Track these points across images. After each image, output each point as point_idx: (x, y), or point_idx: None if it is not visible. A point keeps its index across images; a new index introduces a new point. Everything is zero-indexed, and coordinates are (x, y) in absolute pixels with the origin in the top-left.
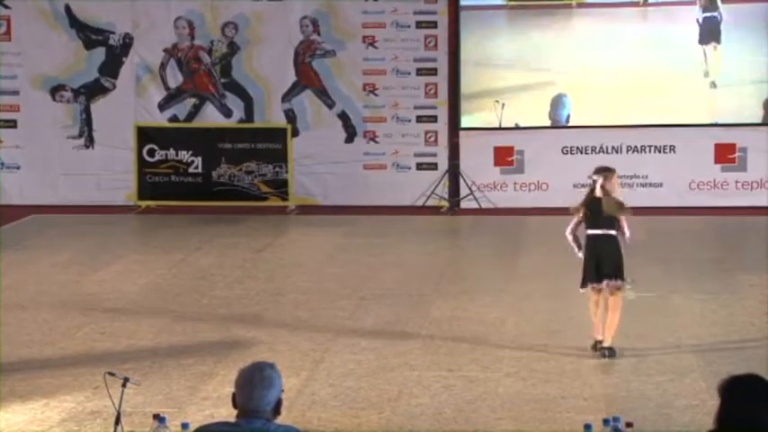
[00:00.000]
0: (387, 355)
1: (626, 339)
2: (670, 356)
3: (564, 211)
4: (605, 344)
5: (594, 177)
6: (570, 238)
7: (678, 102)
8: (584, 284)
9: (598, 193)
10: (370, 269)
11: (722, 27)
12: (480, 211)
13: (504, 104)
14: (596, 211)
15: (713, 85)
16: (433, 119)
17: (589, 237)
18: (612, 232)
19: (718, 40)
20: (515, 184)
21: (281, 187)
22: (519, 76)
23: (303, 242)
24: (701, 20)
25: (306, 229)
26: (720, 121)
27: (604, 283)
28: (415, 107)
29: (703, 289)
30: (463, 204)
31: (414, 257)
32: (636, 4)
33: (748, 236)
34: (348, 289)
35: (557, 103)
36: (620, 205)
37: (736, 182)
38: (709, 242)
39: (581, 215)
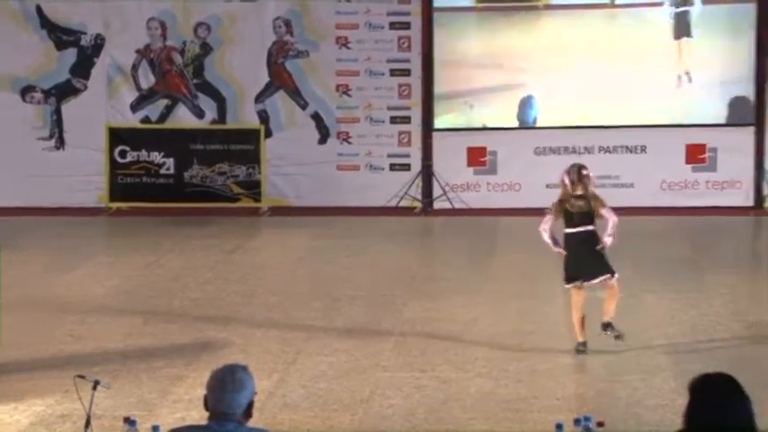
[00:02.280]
0: (359, 357)
1: (597, 339)
2: (641, 356)
3: (537, 212)
4: (606, 319)
5: (572, 173)
6: (546, 235)
7: (649, 102)
8: (568, 281)
9: (577, 190)
10: (342, 270)
11: (693, 22)
12: (453, 212)
13: (472, 106)
14: (574, 208)
15: (689, 79)
16: (407, 120)
17: (568, 235)
18: (591, 228)
19: (689, 34)
20: (488, 184)
21: (253, 188)
22: (490, 77)
23: (276, 243)
24: (673, 15)
25: (279, 230)
26: (691, 122)
27: (598, 280)
28: (389, 108)
29: (674, 289)
30: (436, 205)
31: (387, 258)
32: (605, 6)
33: (718, 236)
34: (320, 290)
35: (524, 104)
36: (600, 199)
37: (707, 182)
38: (680, 242)
39: (556, 213)
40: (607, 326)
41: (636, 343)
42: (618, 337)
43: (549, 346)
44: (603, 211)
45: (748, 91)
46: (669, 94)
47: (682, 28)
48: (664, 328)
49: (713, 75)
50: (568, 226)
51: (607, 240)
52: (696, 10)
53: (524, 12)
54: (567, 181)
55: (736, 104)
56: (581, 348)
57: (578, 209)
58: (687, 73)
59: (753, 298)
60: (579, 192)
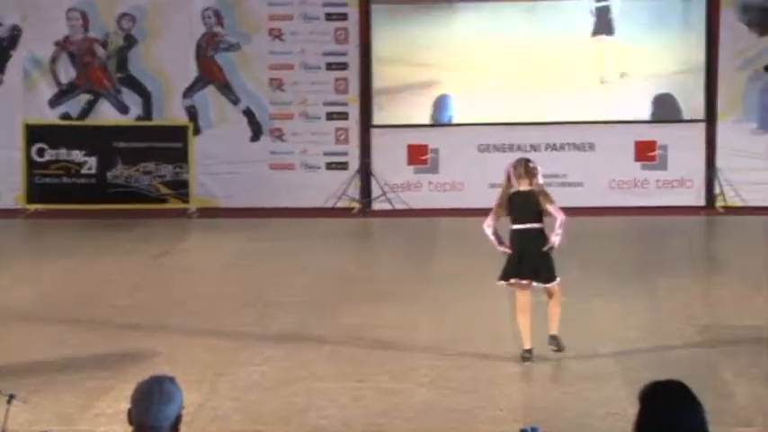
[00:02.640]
0: (293, 366)
1: (544, 346)
2: (590, 363)
3: (481, 212)
4: (552, 331)
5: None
6: (489, 231)
7: (570, 98)
8: (504, 277)
9: (524, 184)
10: (275, 275)
11: (615, 19)
12: (393, 213)
13: (381, 107)
14: (521, 204)
15: (620, 75)
16: (344, 116)
17: (514, 232)
18: (539, 226)
19: (611, 31)
20: (430, 183)
21: (181, 189)
22: (405, 75)
23: (205, 247)
24: (594, 10)
25: (208, 233)
26: (639, 118)
27: (530, 281)
28: (325, 103)
29: (624, 292)
30: (375, 206)
31: (323, 262)
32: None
33: (669, 236)
34: (252, 296)
35: (439, 104)
36: (547, 195)
37: (657, 180)
38: (629, 243)
39: (502, 209)
40: (554, 339)
41: (584, 350)
42: (559, 350)
43: (494, 353)
44: (551, 208)
45: (674, 88)
46: (592, 92)
47: (602, 24)
48: (613, 333)
49: (637, 72)
50: (514, 222)
51: (555, 239)
52: (617, 5)
53: (444, 5)
54: (512, 175)
55: (660, 102)
56: (526, 356)
57: (525, 205)
58: (615, 70)
59: (706, 301)
60: (526, 187)
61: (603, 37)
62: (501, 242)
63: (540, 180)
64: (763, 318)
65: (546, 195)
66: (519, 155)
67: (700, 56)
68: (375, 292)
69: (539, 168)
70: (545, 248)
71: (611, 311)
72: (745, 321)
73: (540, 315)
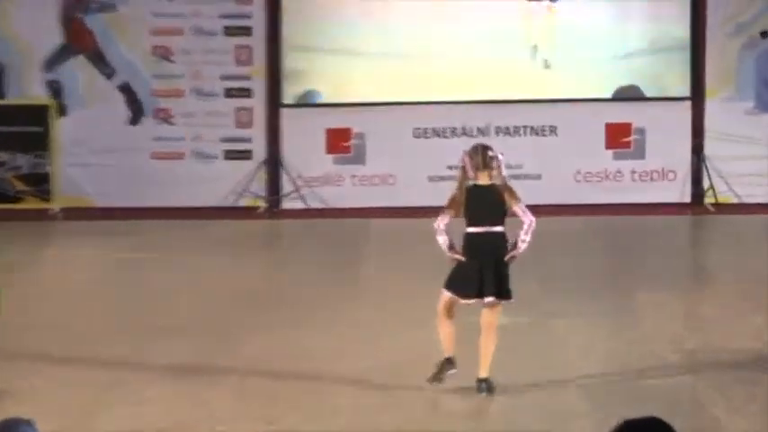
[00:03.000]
0: (184, 406)
1: (495, 377)
2: (552, 399)
3: (417, 212)
4: (482, 374)
5: (476, 156)
6: (439, 232)
7: (527, 72)
8: (449, 288)
9: (483, 177)
10: (160, 292)
11: None
12: (308, 213)
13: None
14: (480, 202)
15: (546, 62)
16: (247, 93)
17: (470, 236)
18: (500, 229)
19: None
20: (354, 177)
21: (41, 184)
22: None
23: (70, 257)
24: None
25: (75, 239)
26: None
27: (484, 300)
28: (223, 77)
29: (592, 310)
30: (286, 204)
31: (220, 275)
32: None
33: (648, 241)
34: (130, 319)
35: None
36: (513, 192)
37: (633, 172)
38: (599, 250)
39: (457, 205)
40: (482, 383)
41: (545, 382)
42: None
43: (432, 386)
44: (518, 209)
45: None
46: (553, 66)
47: None
48: (580, 361)
49: (583, 45)
50: (471, 224)
51: (521, 247)
52: None
53: None
54: (469, 166)
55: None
56: (449, 373)
57: (484, 203)
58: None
59: (693, 320)
60: (486, 180)
61: (544, 3)
62: (452, 247)
63: (503, 172)
64: (762, 340)
65: (511, 192)
66: (464, 141)
67: (683, 22)
68: (287, 312)
69: (500, 157)
70: (507, 257)
71: (577, 334)
72: (741, 344)
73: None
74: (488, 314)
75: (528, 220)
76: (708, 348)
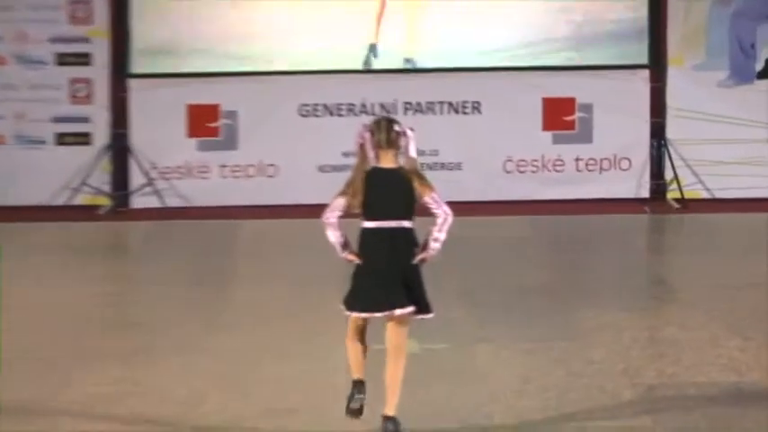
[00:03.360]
0: None
1: (407, 417)
2: None
3: (305, 211)
4: (388, 412)
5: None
6: (331, 230)
7: (446, 32)
8: (352, 308)
9: (387, 159)
10: None
11: None
12: (165, 213)
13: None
14: (382, 190)
15: None
16: (84, 59)
17: (367, 233)
18: (408, 224)
19: None
20: (223, 167)
21: None
22: None
23: None
24: None
25: None
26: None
27: (399, 312)
28: (53, 40)
29: (528, 335)
30: (136, 202)
31: (49, 294)
32: None
33: (597, 247)
34: None
35: None
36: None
37: (577, 159)
38: (536, 258)
39: (353, 195)
40: (387, 423)
41: (467, 423)
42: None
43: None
44: (429, 199)
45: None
46: (477, 23)
47: None
48: (512, 399)
49: None
50: (369, 218)
51: (434, 247)
52: None
53: None
54: (368, 144)
55: None
56: (357, 397)
57: (388, 191)
58: None
59: (653, 347)
60: (390, 163)
61: None
62: (346, 246)
63: (413, 153)
64: (738, 371)
65: (422, 178)
66: (363, 120)
67: None
68: (134, 341)
69: (410, 133)
70: (415, 260)
71: (509, 365)
72: (712, 377)
73: (405, 374)
74: (396, 332)
75: (442, 213)
76: (671, 382)
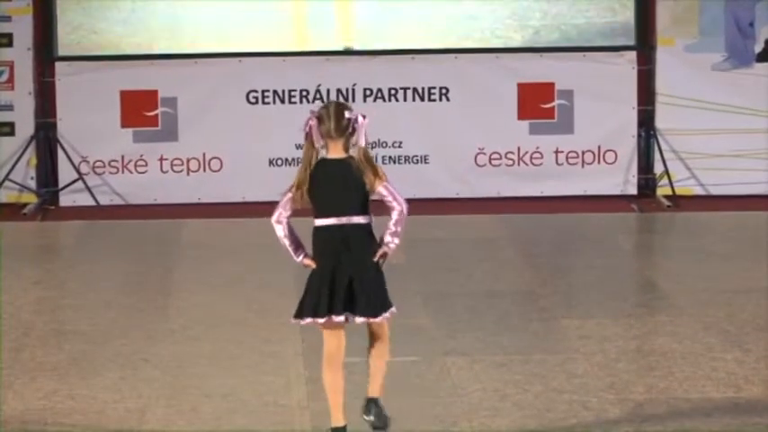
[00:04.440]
0: None
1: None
2: None
3: (255, 208)
4: (373, 394)
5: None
6: (281, 230)
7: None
8: (300, 314)
9: (337, 147)
10: None
11: None
12: (98, 212)
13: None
14: (331, 183)
15: None
16: (6, 40)
17: (319, 231)
18: (361, 221)
19: None
20: (162, 159)
21: None
22: None
23: None
24: None
25: None
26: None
27: (361, 319)
28: None
29: (503, 346)
30: (65, 200)
31: None
32: None
33: (580, 248)
34: None
35: None
36: (376, 168)
37: (557, 152)
38: (513, 261)
39: (300, 191)
40: (371, 404)
41: None
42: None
43: None
44: (383, 190)
45: None
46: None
47: None
48: (487, 415)
49: None
50: (321, 215)
51: (390, 244)
52: None
53: None
54: (315, 132)
55: None
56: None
57: (337, 184)
58: None
59: (642, 358)
60: (339, 153)
61: None
62: (299, 248)
63: (363, 141)
64: (736, 385)
65: (374, 168)
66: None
67: None
68: (70, 350)
69: (361, 119)
70: (375, 258)
71: (483, 379)
72: (706, 393)
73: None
74: (378, 328)
75: (397, 206)
76: (662, 398)
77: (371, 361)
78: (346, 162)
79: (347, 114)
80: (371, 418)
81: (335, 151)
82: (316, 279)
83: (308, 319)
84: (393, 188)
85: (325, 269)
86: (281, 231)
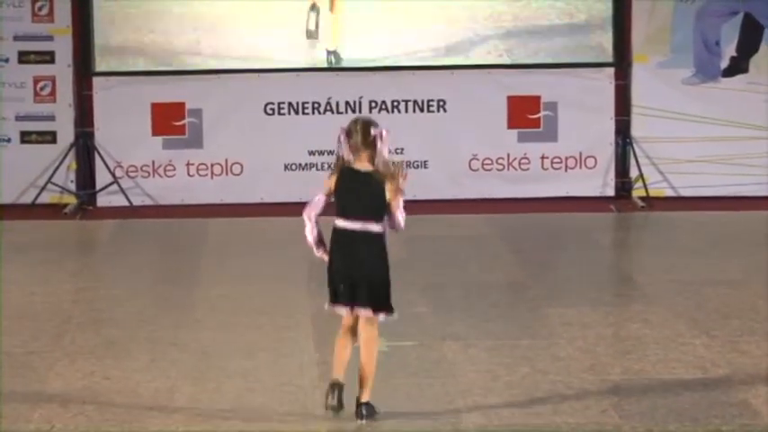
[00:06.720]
0: None
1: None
2: None
3: (271, 209)
4: (363, 398)
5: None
6: (310, 227)
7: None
8: (334, 300)
9: (362, 160)
10: None
11: None
12: (131, 212)
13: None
14: (353, 191)
15: None
16: (49, 57)
17: (338, 232)
18: (375, 228)
19: None
20: (189, 164)
21: None
22: None
23: None
24: None
25: None
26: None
27: (355, 309)
28: (18, 38)
29: (494, 332)
30: (102, 201)
31: (17, 292)
32: None
33: (563, 245)
34: None
35: None
36: (395, 185)
37: (542, 157)
38: (502, 256)
39: (328, 195)
40: (361, 408)
41: (434, 420)
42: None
43: (294, 429)
44: (395, 204)
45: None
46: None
47: None
48: (479, 395)
49: None
50: (339, 217)
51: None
52: None
53: None
54: (344, 145)
55: None
56: (331, 403)
57: (359, 193)
58: None
59: (619, 343)
60: (365, 165)
61: None
62: (320, 244)
63: (386, 153)
64: (704, 368)
65: (396, 185)
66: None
67: None
68: (105, 335)
69: (385, 134)
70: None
71: (476, 362)
72: (678, 374)
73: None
74: (363, 328)
75: (396, 218)
76: (636, 379)
77: (363, 365)
78: (369, 174)
79: (373, 131)
80: (362, 420)
81: (362, 162)
82: (332, 271)
83: (334, 306)
84: (401, 205)
85: (337, 264)
86: (308, 227)
